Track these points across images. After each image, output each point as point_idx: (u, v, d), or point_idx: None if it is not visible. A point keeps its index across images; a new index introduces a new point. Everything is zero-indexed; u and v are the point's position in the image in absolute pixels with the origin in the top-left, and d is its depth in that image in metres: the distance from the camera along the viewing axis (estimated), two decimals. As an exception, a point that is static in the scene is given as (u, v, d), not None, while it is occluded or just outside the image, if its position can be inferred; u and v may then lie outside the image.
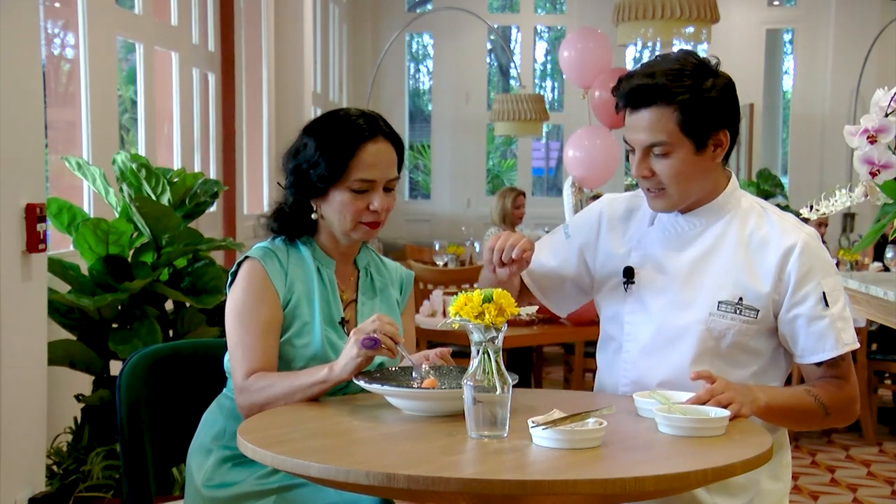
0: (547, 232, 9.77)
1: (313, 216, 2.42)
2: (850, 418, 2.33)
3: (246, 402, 2.29)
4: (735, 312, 2.25)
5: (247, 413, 2.29)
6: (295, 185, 2.41)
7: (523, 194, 8.00)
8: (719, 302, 2.26)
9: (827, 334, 2.23)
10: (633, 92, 2.22)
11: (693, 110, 2.20)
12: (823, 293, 2.23)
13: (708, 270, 2.29)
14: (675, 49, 2.57)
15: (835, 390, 2.27)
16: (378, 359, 2.34)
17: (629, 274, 2.35)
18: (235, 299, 2.36)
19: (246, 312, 2.34)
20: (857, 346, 2.28)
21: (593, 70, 6.82)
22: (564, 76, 7.32)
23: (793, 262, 2.24)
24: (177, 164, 5.76)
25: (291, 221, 2.44)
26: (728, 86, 2.26)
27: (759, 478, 2.27)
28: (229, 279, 2.41)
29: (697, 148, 2.23)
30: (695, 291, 2.28)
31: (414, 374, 2.24)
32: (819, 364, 2.27)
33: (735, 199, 2.33)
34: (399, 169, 2.43)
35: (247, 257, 2.40)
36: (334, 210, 2.38)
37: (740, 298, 2.25)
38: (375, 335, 2.18)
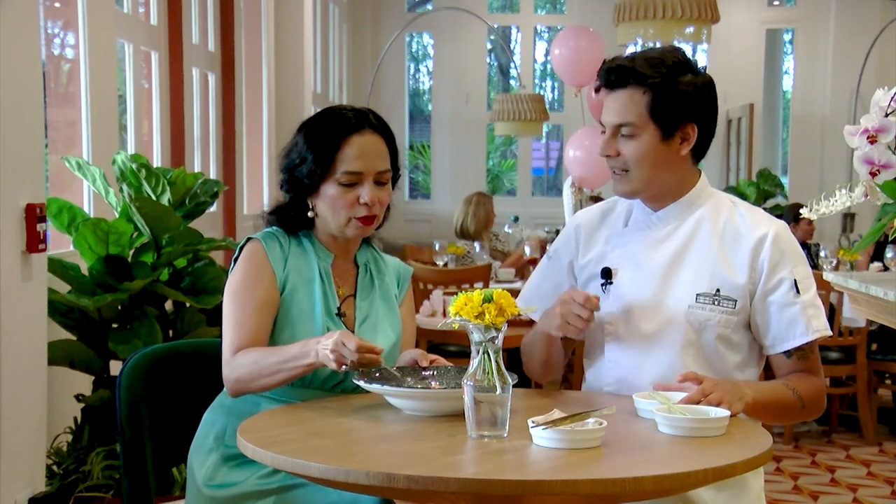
0: (547, 232, 9.72)
1: (310, 214, 2.42)
2: (820, 411, 2.37)
3: (232, 375, 2.31)
4: (713, 304, 2.28)
5: (232, 387, 2.31)
6: (289, 183, 2.42)
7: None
8: (697, 294, 2.28)
9: (798, 320, 2.26)
10: (611, 72, 2.31)
11: (663, 97, 2.25)
12: (795, 280, 2.26)
13: (684, 265, 2.31)
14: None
15: (807, 383, 2.30)
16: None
17: (607, 274, 2.37)
18: (234, 278, 2.39)
19: (242, 290, 2.36)
20: (829, 333, 2.32)
21: (585, 68, 6.81)
22: (557, 74, 7.28)
23: (765, 250, 2.28)
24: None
25: (289, 220, 2.45)
26: (706, 85, 2.30)
27: (745, 474, 2.27)
28: (232, 263, 2.43)
29: (664, 135, 2.28)
30: (673, 286, 2.31)
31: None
32: (789, 355, 2.29)
33: (706, 195, 2.37)
34: (394, 164, 2.43)
35: (249, 239, 2.42)
36: (326, 206, 2.38)
37: (717, 290, 2.28)
38: (349, 365, 2.16)
